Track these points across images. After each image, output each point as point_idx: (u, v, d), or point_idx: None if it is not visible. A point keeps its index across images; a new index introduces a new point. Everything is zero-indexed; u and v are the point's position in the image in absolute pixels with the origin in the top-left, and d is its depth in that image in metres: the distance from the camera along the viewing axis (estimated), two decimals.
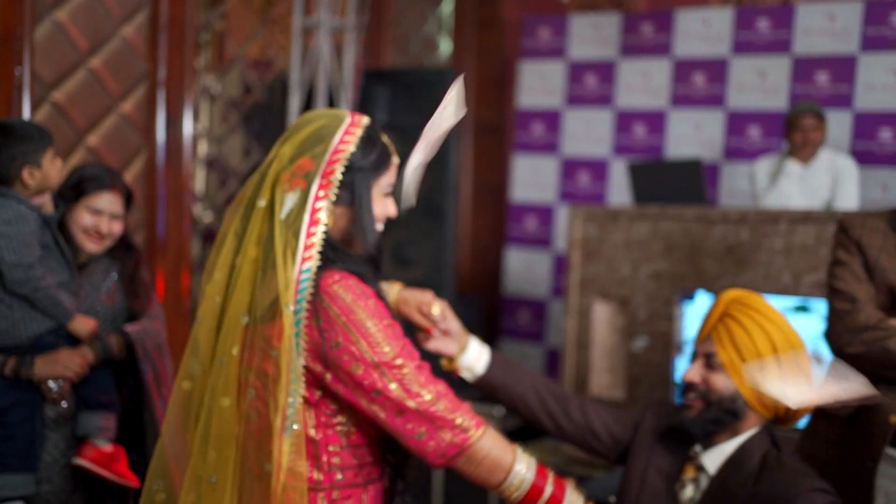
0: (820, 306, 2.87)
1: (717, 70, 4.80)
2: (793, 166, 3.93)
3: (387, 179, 1.48)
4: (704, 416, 1.70)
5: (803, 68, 4.60)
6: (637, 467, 1.77)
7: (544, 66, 5.26)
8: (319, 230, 1.37)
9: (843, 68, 4.49)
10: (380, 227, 1.47)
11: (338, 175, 1.40)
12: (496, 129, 5.41)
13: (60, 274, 2.16)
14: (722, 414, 1.69)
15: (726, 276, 3.33)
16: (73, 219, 2.23)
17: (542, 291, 5.19)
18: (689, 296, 3.33)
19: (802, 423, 2.57)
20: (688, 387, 1.73)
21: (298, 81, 4.05)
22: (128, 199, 2.31)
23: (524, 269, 5.26)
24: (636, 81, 5.02)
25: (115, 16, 3.52)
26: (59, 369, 2.12)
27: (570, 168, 5.21)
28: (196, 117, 3.92)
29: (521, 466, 1.39)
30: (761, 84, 4.70)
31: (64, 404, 2.18)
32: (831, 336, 2.00)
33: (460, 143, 4.26)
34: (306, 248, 1.35)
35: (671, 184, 3.88)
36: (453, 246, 4.21)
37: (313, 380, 1.36)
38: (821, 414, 2.10)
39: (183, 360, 1.44)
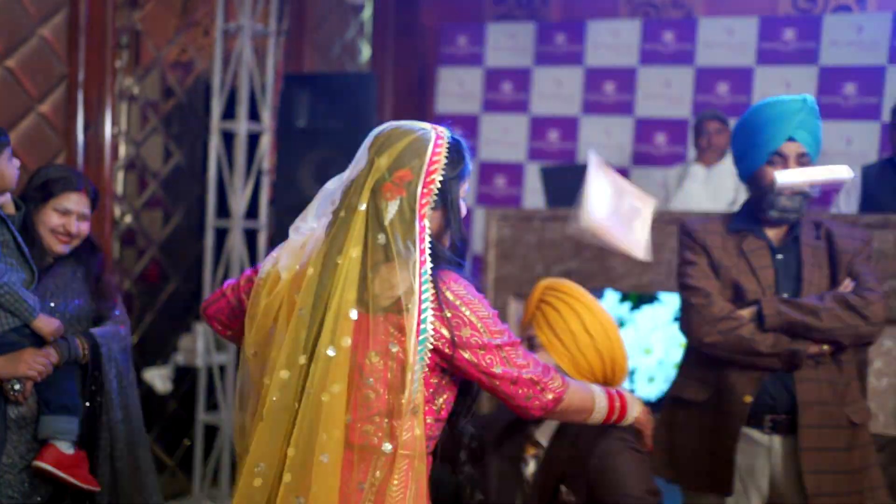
0: None
1: (626, 79, 5.03)
2: (697, 169, 4.18)
3: (465, 186, 1.69)
4: None
5: (705, 79, 4.87)
6: (492, 460, 1.94)
7: (462, 72, 5.41)
8: (427, 236, 1.57)
9: (741, 79, 4.78)
10: None
11: (437, 185, 1.59)
12: None
13: (22, 272, 2.13)
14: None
15: (632, 275, 3.53)
16: (40, 220, 2.23)
17: None
18: (598, 294, 3.51)
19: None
20: None
21: (220, 85, 4.08)
22: (93, 199, 2.32)
23: None
24: (550, 89, 5.22)
25: (32, 16, 3.51)
26: (22, 368, 2.09)
27: (487, 172, 5.37)
28: (115, 119, 3.92)
29: (599, 401, 1.74)
30: (667, 93, 4.95)
31: (24, 406, 2.15)
32: (689, 328, 2.20)
33: None
34: (421, 252, 1.54)
35: (582, 187, 4.07)
36: None
37: (432, 364, 1.57)
38: (677, 402, 2.30)
39: (284, 350, 1.54)
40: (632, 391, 1.91)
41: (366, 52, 5.50)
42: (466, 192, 1.70)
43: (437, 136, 1.62)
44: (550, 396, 1.60)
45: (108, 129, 3.82)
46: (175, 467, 4.26)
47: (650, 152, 4.99)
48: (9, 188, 2.16)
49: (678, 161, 4.81)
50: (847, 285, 2.16)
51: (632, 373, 3.50)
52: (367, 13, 5.46)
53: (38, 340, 2.15)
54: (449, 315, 1.54)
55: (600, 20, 5.10)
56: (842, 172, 1.95)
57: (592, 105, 5.11)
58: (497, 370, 1.57)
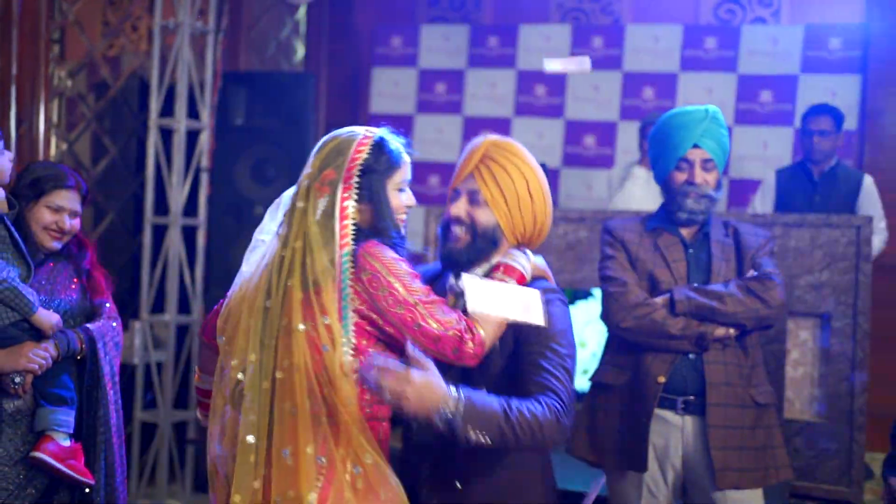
0: None
1: (556, 83, 5.19)
2: (639, 171, 4.32)
3: (398, 178, 1.80)
4: (471, 246, 1.89)
5: (632, 83, 5.07)
6: None
7: (396, 73, 5.48)
8: (349, 223, 1.72)
9: (666, 85, 4.99)
10: (402, 216, 1.83)
11: (356, 179, 1.74)
12: None
13: (19, 269, 2.17)
14: (485, 244, 1.90)
15: (567, 271, 3.67)
16: (32, 217, 2.26)
17: None
18: None
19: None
20: (454, 221, 1.91)
21: (158, 82, 4.06)
22: (84, 196, 2.35)
23: None
24: (483, 91, 5.34)
25: None
26: (22, 362, 2.14)
27: (421, 172, 5.46)
28: (48, 114, 3.87)
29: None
30: (595, 96, 5.13)
31: (21, 399, 2.19)
32: (608, 315, 2.38)
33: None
34: (342, 237, 1.71)
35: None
36: None
37: (364, 331, 1.71)
38: (598, 387, 2.47)
39: (251, 335, 1.71)
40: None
41: (300, 51, 5.52)
42: (403, 183, 1.80)
43: (363, 137, 1.78)
44: (471, 345, 1.71)
45: (41, 125, 3.77)
46: None
47: (580, 153, 5.16)
48: (2, 182, 2.18)
49: (607, 162, 5.00)
50: (750, 274, 2.37)
51: None
52: (302, 13, 5.48)
53: (37, 335, 2.19)
54: (365, 278, 1.68)
55: (532, 24, 5.25)
56: (534, 316, 1.89)
57: (524, 107, 5.25)
58: (416, 327, 1.69)
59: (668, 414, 2.34)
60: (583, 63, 2.36)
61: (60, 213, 2.28)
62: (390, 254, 1.72)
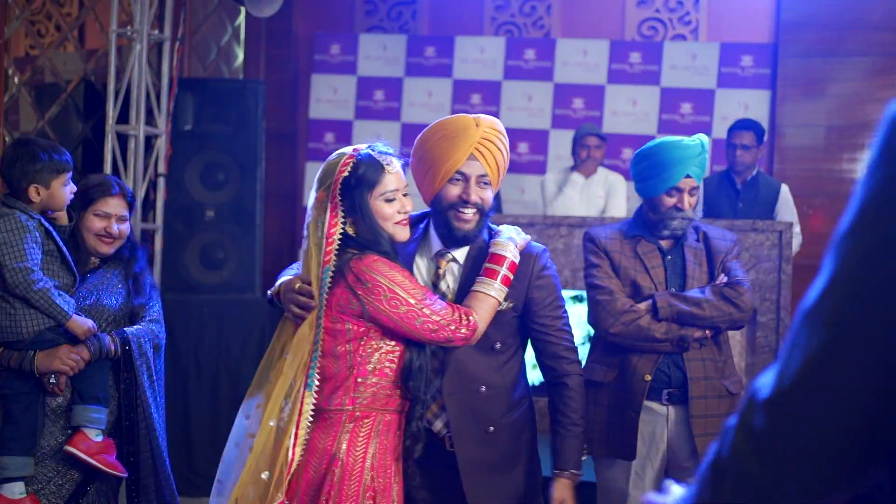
0: None
1: (491, 92, 5.45)
2: (577, 178, 4.59)
3: (380, 189, 1.95)
4: (478, 224, 2.10)
5: (562, 94, 5.37)
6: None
7: (336, 80, 5.62)
8: (335, 241, 1.93)
9: (594, 96, 5.32)
10: (399, 221, 1.99)
11: (339, 197, 1.94)
12: (287, 138, 5.69)
13: (64, 278, 2.33)
14: (486, 220, 2.14)
15: None
16: (84, 225, 2.41)
17: None
18: None
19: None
20: (470, 204, 2.08)
21: (114, 89, 4.09)
22: (131, 202, 2.49)
23: None
24: (420, 98, 5.54)
25: None
26: (56, 364, 2.29)
27: None
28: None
29: (500, 294, 2.04)
30: (528, 106, 5.41)
31: (61, 397, 2.34)
32: (597, 321, 2.61)
33: (265, 151, 4.51)
34: (326, 254, 1.93)
35: None
36: (262, 248, 4.45)
37: (353, 335, 1.93)
38: (587, 383, 2.68)
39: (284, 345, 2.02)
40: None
41: (240, 57, 5.58)
42: (391, 192, 1.95)
43: (347, 156, 1.97)
44: (464, 331, 1.94)
45: None
46: None
47: (513, 160, 5.41)
48: (57, 209, 2.35)
49: (539, 168, 5.28)
50: (722, 279, 2.64)
51: None
52: (241, 19, 5.54)
53: (74, 338, 2.34)
54: (363, 289, 1.88)
55: (467, 36, 5.48)
56: None
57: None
58: (419, 322, 1.91)
59: (653, 404, 2.57)
60: None
61: (108, 219, 2.42)
62: (386, 265, 1.92)
